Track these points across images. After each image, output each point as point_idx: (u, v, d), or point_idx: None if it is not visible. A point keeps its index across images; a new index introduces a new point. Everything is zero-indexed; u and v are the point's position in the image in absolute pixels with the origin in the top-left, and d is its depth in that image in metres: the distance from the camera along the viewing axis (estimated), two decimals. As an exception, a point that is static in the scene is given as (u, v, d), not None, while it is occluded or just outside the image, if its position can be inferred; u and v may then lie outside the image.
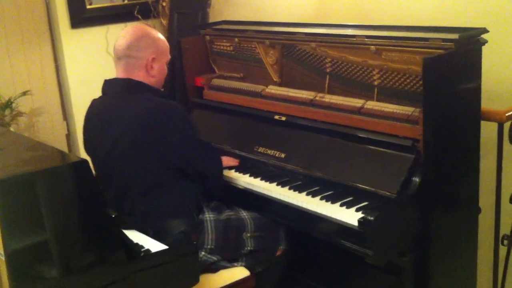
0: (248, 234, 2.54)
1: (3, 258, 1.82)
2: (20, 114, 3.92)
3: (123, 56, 2.52)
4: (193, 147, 2.52)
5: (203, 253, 2.43)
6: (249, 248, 2.53)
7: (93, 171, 2.56)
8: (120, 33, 2.60)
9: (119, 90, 2.53)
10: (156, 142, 2.41)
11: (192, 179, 2.53)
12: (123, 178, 2.49)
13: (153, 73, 2.55)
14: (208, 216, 2.50)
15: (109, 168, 2.53)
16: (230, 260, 2.50)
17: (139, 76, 2.53)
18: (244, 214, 2.60)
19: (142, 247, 2.24)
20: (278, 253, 2.63)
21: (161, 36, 2.62)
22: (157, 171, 2.44)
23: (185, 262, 2.22)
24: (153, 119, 2.42)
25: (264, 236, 2.59)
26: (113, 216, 2.03)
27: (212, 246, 2.45)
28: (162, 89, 2.76)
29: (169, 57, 2.66)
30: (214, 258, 2.45)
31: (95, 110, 2.60)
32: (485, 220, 2.69)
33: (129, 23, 4.23)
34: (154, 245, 2.26)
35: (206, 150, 2.63)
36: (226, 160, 2.78)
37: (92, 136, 2.60)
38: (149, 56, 2.53)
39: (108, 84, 2.60)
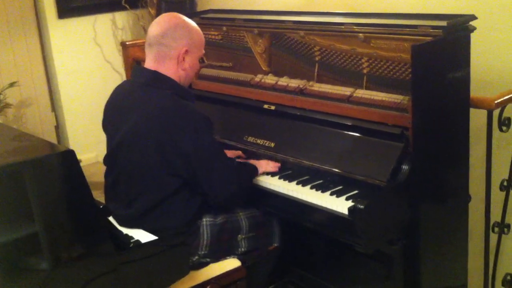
0: (243, 236, 2.49)
1: (-9, 250, 1.81)
2: (8, 105, 3.90)
3: (155, 44, 2.39)
4: (204, 163, 2.34)
5: (196, 257, 2.37)
6: (243, 249, 2.49)
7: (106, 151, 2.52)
8: (155, 19, 2.48)
9: (144, 81, 2.40)
10: (165, 145, 2.28)
11: (197, 192, 2.40)
12: (125, 171, 2.40)
13: (184, 66, 2.42)
14: (205, 220, 2.41)
15: (115, 155, 2.43)
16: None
17: (169, 67, 2.40)
18: (240, 214, 2.51)
19: (131, 238, 2.23)
20: (271, 248, 2.59)
21: (198, 29, 2.48)
22: (160, 175, 2.32)
23: (175, 253, 2.21)
24: (168, 120, 2.29)
25: (258, 236, 2.54)
26: (101, 206, 2.02)
27: (206, 252, 2.39)
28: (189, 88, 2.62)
29: (203, 52, 2.54)
30: (208, 259, 2.40)
31: (117, 93, 2.51)
32: (476, 208, 2.70)
33: (116, 12, 4.23)
34: (143, 236, 2.25)
35: (219, 169, 2.39)
36: (265, 165, 2.63)
37: (109, 119, 2.52)
38: (182, 47, 2.39)
39: (135, 72, 2.52)
